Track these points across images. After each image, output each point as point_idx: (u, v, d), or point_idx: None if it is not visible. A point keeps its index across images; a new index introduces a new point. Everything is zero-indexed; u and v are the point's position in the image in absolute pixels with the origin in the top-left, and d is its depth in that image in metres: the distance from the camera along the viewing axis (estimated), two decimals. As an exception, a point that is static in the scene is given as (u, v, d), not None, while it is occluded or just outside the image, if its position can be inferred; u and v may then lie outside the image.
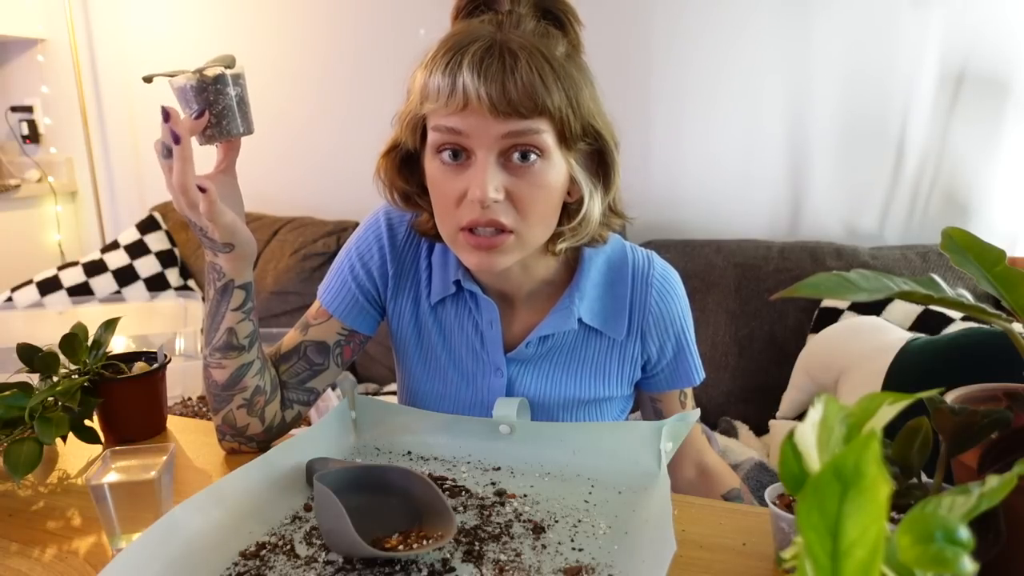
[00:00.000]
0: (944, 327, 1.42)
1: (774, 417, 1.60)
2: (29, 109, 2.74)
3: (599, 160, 0.75)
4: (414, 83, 0.72)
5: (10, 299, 2.16)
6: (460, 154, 0.69)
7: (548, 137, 0.68)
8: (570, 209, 0.76)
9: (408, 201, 0.80)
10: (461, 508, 0.68)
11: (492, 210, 0.68)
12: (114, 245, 2.31)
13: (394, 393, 1.91)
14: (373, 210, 0.89)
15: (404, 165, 0.77)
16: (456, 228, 0.71)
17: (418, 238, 0.85)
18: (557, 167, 0.70)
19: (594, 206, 0.75)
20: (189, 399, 1.82)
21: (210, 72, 0.68)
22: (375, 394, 1.93)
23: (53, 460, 0.83)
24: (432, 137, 0.70)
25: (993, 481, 0.41)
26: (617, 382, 0.86)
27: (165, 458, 0.66)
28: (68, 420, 0.79)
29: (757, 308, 1.69)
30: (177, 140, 0.66)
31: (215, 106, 0.68)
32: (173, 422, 0.92)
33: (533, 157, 0.68)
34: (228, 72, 0.69)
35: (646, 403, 0.93)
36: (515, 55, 0.65)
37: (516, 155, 0.68)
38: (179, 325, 2.02)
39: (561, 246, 0.77)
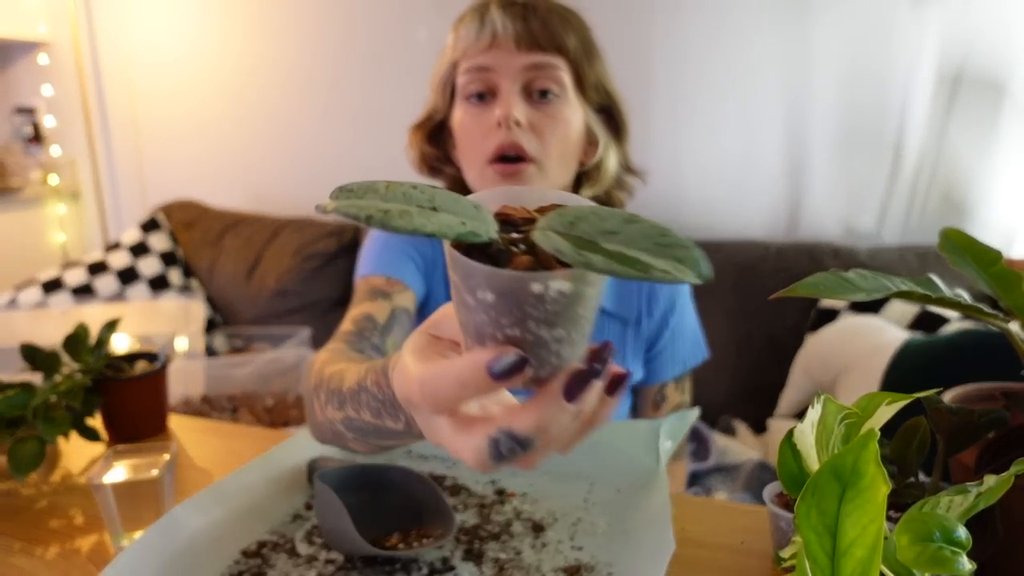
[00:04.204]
0: (941, 327, 1.42)
1: (773, 416, 1.60)
2: (33, 110, 2.74)
3: (610, 118, 0.84)
4: (447, 44, 0.81)
5: (13, 299, 2.17)
6: (486, 95, 0.78)
7: (565, 75, 0.77)
8: (588, 168, 0.84)
9: (433, 170, 0.89)
10: (461, 507, 0.68)
11: (515, 133, 0.75)
12: (117, 245, 2.32)
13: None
14: None
15: (433, 136, 0.87)
16: (484, 162, 0.78)
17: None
18: (573, 107, 0.78)
19: (609, 155, 0.84)
20: (191, 399, 1.82)
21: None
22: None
23: (56, 459, 0.83)
24: (462, 82, 0.78)
25: (990, 481, 0.41)
26: (632, 363, 0.88)
27: (167, 457, 0.66)
28: (71, 419, 0.80)
29: (756, 308, 1.69)
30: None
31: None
32: (175, 421, 0.93)
33: (552, 94, 0.76)
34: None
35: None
36: (535, 5, 0.76)
37: (536, 91, 0.76)
38: (181, 325, 2.02)
39: (584, 193, 0.83)
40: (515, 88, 0.76)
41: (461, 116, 0.80)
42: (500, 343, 0.32)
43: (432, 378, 0.34)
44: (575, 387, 0.33)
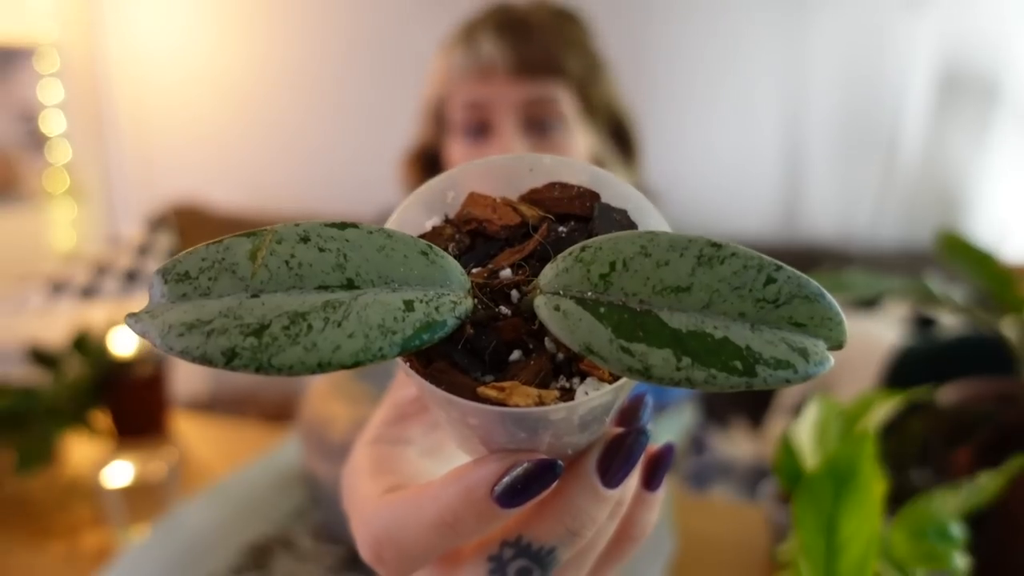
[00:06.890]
0: (936, 326, 1.44)
1: (769, 414, 1.60)
2: (39, 112, 2.76)
3: (620, 138, 0.77)
4: (434, 69, 0.73)
5: (20, 299, 2.18)
6: (482, 130, 0.70)
7: (567, 105, 0.69)
8: None
9: None
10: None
11: None
12: (123, 246, 2.33)
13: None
14: None
15: (427, 171, 0.79)
16: None
17: None
18: (578, 135, 0.71)
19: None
20: (195, 397, 1.83)
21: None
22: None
23: (61, 458, 0.84)
24: (455, 117, 0.71)
25: (984, 479, 0.42)
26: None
27: (172, 455, 0.67)
28: (76, 418, 0.80)
29: (757, 307, 1.70)
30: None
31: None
32: (179, 420, 0.94)
33: (553, 125, 0.69)
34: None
35: None
36: (530, 24, 0.69)
37: (536, 124, 0.69)
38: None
39: None
40: (513, 123, 0.69)
41: (456, 153, 0.73)
42: (503, 450, 0.21)
43: (394, 528, 0.22)
44: (617, 462, 0.22)
